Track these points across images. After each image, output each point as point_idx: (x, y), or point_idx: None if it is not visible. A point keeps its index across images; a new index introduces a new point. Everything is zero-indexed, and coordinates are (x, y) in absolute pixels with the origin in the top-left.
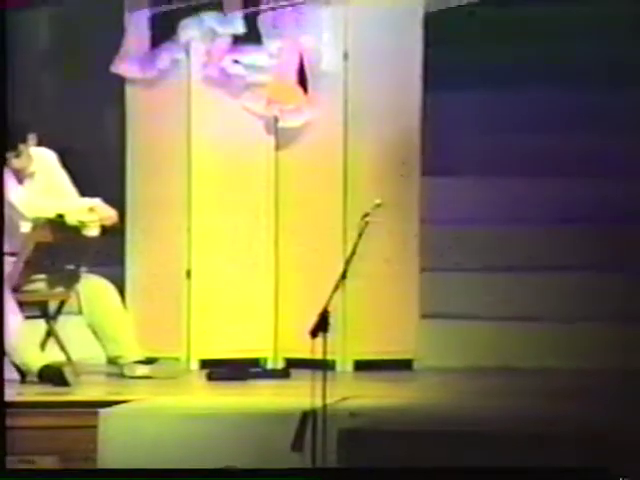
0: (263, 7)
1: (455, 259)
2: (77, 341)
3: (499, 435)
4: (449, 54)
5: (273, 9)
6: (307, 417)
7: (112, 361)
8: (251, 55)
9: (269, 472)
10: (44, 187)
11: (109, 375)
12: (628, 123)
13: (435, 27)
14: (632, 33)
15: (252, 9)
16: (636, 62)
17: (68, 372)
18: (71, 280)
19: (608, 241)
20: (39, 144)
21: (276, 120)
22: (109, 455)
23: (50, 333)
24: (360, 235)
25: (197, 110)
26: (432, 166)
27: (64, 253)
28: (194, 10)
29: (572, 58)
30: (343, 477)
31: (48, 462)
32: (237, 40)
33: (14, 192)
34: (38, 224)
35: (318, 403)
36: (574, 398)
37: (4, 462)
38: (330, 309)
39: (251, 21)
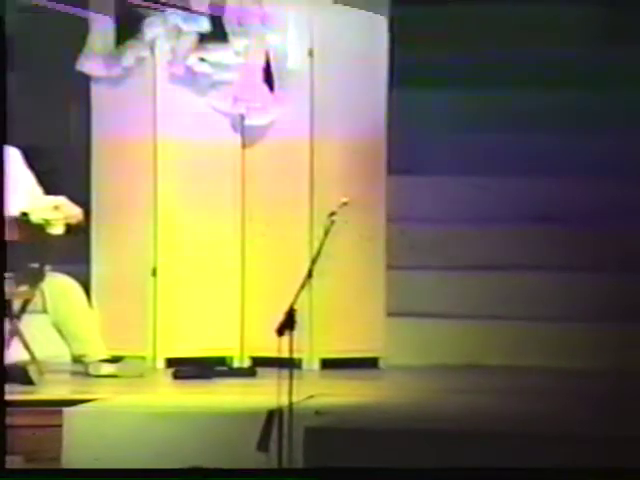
0: (229, 5)
1: (421, 258)
2: (42, 340)
3: (466, 433)
4: (416, 52)
5: (239, 7)
6: (273, 416)
7: (77, 360)
8: (217, 53)
9: (270, 472)
10: (8, 185)
11: (74, 374)
12: (591, 122)
13: (401, 25)
14: (587, 35)
15: (218, 7)
16: (588, 62)
17: (33, 371)
18: (36, 279)
19: (573, 240)
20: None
21: (242, 118)
22: (74, 454)
23: (14, 332)
24: (326, 233)
25: (163, 108)
26: (399, 165)
27: (29, 251)
28: (159, 8)
29: (535, 59)
30: (343, 477)
31: (12, 462)
32: (203, 38)
33: None
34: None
35: (284, 402)
36: (541, 396)
37: (4, 462)
38: (296, 307)
39: (217, 19)
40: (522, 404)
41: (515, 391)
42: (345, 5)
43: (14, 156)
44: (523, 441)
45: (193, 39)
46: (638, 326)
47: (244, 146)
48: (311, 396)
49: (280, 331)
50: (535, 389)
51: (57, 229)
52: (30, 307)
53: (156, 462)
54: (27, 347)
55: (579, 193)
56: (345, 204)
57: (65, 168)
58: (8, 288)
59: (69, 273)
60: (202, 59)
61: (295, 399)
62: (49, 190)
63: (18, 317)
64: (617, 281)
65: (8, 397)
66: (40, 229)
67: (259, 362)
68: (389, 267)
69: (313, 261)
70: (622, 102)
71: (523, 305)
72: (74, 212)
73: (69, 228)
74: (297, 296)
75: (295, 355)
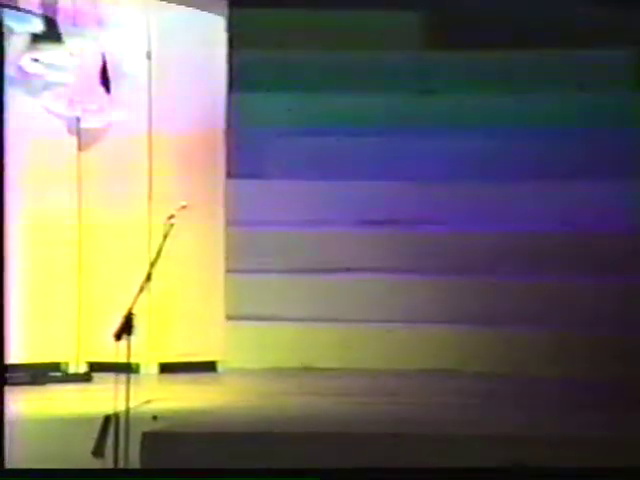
0: (62, 5)
1: (260, 261)
2: None
3: (303, 435)
4: (254, 56)
5: (73, 7)
6: (109, 421)
7: None
8: (51, 54)
9: (275, 473)
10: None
11: None
12: (432, 124)
13: (239, 28)
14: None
15: (51, 7)
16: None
17: None
18: None
19: (414, 243)
20: None
21: (78, 120)
22: None
23: None
24: (165, 237)
25: None
26: (237, 168)
27: None
28: None
29: (382, 63)
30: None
31: None
32: (36, 38)
33: None
34: None
35: (121, 407)
36: (377, 398)
37: (4, 462)
38: (134, 311)
39: (51, 20)
40: (356, 405)
41: (349, 393)
42: (183, 5)
43: None
44: (358, 440)
45: (26, 39)
46: (478, 327)
47: (80, 148)
48: (148, 401)
49: (118, 336)
50: (369, 391)
51: None
52: None
53: None
54: None
55: (417, 197)
56: (184, 207)
57: None
58: None
59: None
60: (35, 59)
61: (132, 404)
62: None
63: None
64: (461, 285)
65: None
66: None
67: (96, 367)
68: (229, 270)
69: (152, 264)
70: (449, 105)
71: (360, 308)
72: None
73: None
74: (135, 300)
75: (133, 360)
